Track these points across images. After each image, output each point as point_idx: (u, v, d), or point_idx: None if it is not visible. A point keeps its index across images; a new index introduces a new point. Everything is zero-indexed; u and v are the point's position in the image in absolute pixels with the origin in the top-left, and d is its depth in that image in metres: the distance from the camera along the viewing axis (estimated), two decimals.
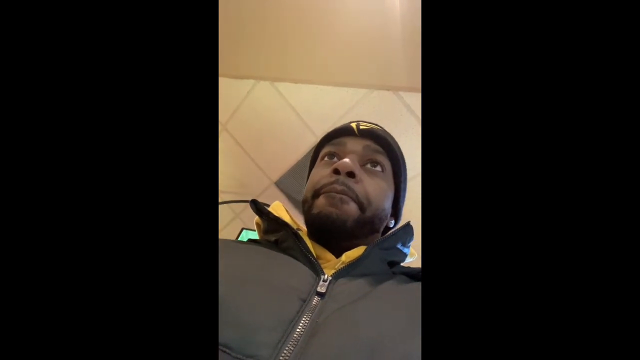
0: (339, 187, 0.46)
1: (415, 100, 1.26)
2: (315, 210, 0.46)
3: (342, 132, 0.54)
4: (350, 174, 0.47)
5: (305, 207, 0.50)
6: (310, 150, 1.54)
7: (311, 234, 0.50)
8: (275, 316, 0.31)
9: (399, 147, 0.56)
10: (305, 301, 0.34)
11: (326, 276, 0.37)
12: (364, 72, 1.20)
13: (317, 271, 0.38)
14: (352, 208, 0.45)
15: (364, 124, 0.55)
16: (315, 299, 0.34)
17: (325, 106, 1.38)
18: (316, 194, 0.48)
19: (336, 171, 0.47)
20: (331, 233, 0.45)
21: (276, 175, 1.68)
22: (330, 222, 0.44)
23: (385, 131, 0.57)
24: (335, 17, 1.08)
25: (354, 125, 0.54)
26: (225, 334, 0.28)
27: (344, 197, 0.45)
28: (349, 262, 0.40)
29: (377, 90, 1.26)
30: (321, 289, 0.35)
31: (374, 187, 0.48)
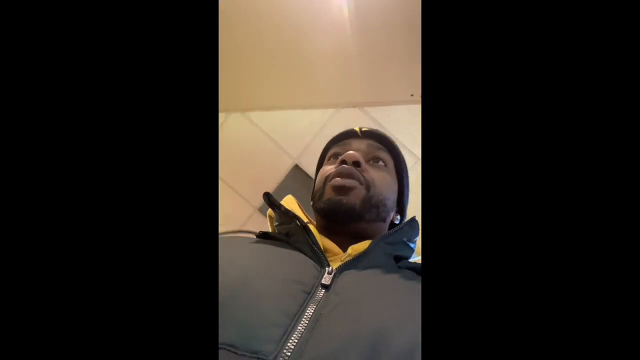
0: (346, 170, 0.49)
1: (380, 114, 1.33)
2: (325, 198, 0.49)
3: (347, 135, 0.60)
4: (356, 163, 0.50)
5: (316, 197, 0.53)
6: (289, 173, 1.58)
7: (321, 220, 0.52)
8: (279, 310, 0.31)
9: (398, 148, 0.60)
10: (309, 294, 0.34)
11: (331, 268, 0.38)
12: (329, 93, 1.27)
13: (323, 264, 0.39)
14: (359, 192, 0.48)
15: (366, 127, 0.60)
16: (321, 291, 0.35)
17: (297, 129, 1.44)
18: (325, 182, 0.51)
19: (343, 162, 0.51)
20: (342, 217, 0.47)
21: (259, 201, 1.70)
22: (340, 206, 0.47)
23: (385, 133, 0.62)
24: (293, 44, 1.15)
25: (357, 128, 0.59)
26: (229, 332, 0.28)
27: (351, 181, 0.48)
28: (355, 255, 0.41)
29: (344, 108, 1.33)
30: (326, 281, 0.36)
31: (378, 176, 0.52)
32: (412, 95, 1.24)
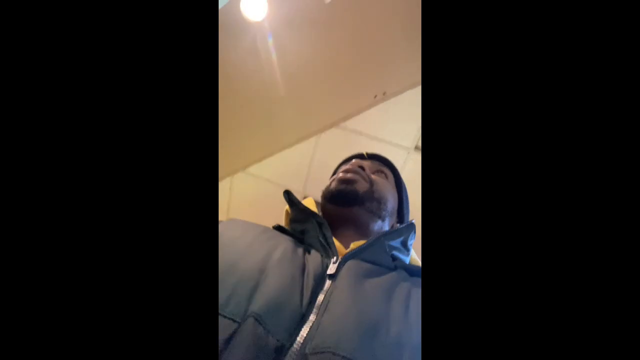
0: (351, 168, 0.58)
1: (357, 123, 1.43)
2: (330, 187, 0.57)
3: (354, 157, 0.71)
4: (361, 168, 0.59)
5: (323, 193, 0.60)
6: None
7: (327, 205, 0.58)
8: (295, 300, 0.34)
9: (397, 170, 0.71)
10: (318, 284, 0.37)
11: (336, 258, 0.42)
12: (303, 125, 1.40)
13: (329, 254, 0.43)
14: (363, 184, 0.56)
15: (371, 152, 0.72)
16: (327, 281, 0.38)
17: (292, 165, 1.56)
18: (331, 182, 0.59)
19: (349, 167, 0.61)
20: (345, 196, 0.54)
21: None
22: (344, 188, 0.55)
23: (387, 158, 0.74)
24: (250, 97, 1.31)
25: (364, 152, 0.71)
26: (261, 304, 0.32)
27: (356, 176, 0.56)
28: (356, 248, 0.45)
29: (323, 132, 1.44)
30: (331, 270, 0.39)
31: (381, 181, 0.61)
32: (375, 96, 1.34)
